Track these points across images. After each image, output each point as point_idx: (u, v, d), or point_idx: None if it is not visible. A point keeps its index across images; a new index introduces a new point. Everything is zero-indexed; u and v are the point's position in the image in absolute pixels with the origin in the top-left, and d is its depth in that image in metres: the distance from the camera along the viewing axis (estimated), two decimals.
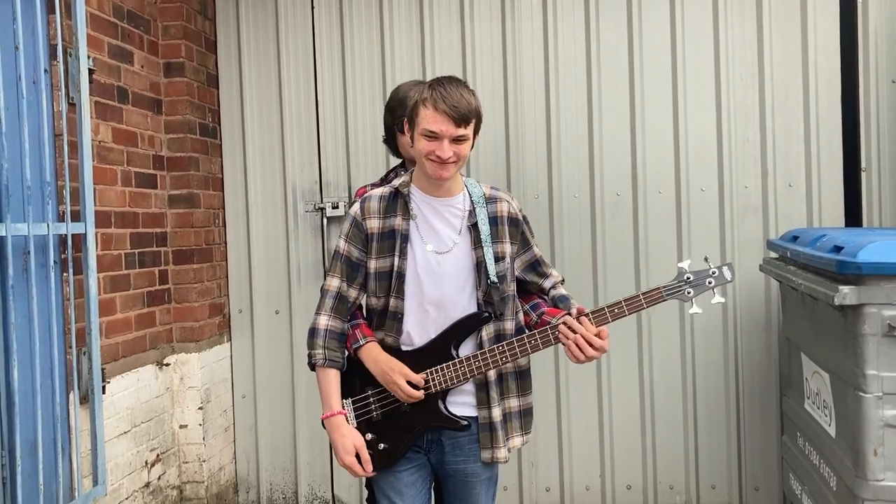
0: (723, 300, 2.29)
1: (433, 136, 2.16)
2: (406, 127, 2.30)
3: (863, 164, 3.88)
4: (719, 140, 3.95)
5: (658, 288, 2.24)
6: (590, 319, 2.19)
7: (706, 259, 2.32)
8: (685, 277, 2.25)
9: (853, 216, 3.89)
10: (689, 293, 2.25)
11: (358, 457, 2.26)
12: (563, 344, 2.22)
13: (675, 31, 3.96)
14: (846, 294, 2.53)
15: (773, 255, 3.59)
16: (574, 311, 2.24)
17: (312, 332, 2.30)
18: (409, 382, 2.22)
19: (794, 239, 3.29)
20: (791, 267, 3.20)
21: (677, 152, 3.97)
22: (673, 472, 4.02)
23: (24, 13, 2.77)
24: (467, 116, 2.17)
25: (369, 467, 2.27)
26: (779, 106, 3.92)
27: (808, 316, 3.10)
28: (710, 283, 2.26)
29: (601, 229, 4.01)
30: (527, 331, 2.30)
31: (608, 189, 4.01)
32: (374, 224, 2.29)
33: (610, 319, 2.21)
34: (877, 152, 3.86)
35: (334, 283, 2.31)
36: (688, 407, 4.00)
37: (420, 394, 2.23)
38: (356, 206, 2.34)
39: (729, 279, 2.27)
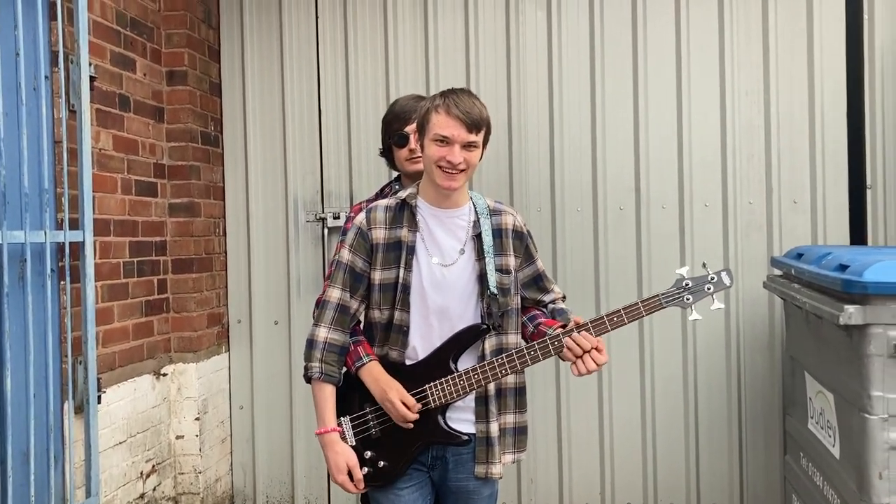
0: (722, 306, 2.25)
1: (444, 142, 2.16)
2: (414, 137, 2.29)
3: (868, 182, 3.85)
4: (723, 156, 3.92)
5: (657, 295, 2.21)
6: (590, 332, 2.17)
7: (704, 265, 2.29)
8: (684, 284, 2.22)
9: (858, 234, 3.86)
10: (688, 299, 2.22)
11: (351, 475, 2.23)
12: (568, 359, 2.20)
13: (680, 46, 3.94)
14: (852, 313, 2.50)
15: (778, 272, 3.56)
16: (571, 324, 2.21)
17: (311, 343, 2.26)
18: (404, 404, 2.20)
19: (799, 256, 3.25)
20: (795, 285, 3.17)
21: (681, 167, 3.94)
22: (674, 490, 3.98)
23: (26, 19, 2.76)
24: (479, 123, 2.17)
25: (361, 485, 2.24)
26: (784, 122, 3.90)
27: (813, 335, 3.06)
28: (709, 288, 2.23)
29: (604, 243, 3.98)
30: (524, 343, 2.27)
31: (611, 203, 3.98)
32: (380, 234, 2.26)
33: (609, 328, 2.19)
34: (882, 170, 3.83)
35: (335, 293, 2.27)
36: (689, 424, 3.96)
37: (412, 416, 2.20)
38: (361, 216, 2.31)
39: (728, 284, 2.24)
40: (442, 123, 2.16)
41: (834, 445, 2.85)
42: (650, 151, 3.96)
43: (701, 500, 3.96)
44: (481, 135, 2.20)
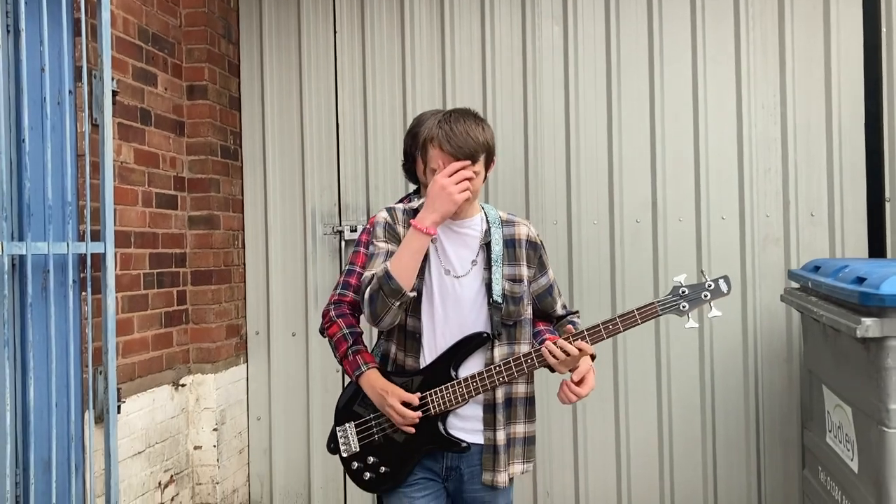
0: (719, 314, 2.24)
1: None
2: (419, 158, 2.32)
3: (887, 195, 3.83)
4: (740, 168, 3.92)
5: (653, 303, 2.21)
6: (586, 339, 2.18)
7: (702, 272, 2.28)
8: (680, 291, 2.22)
9: (877, 246, 3.84)
10: (684, 307, 2.21)
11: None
12: (558, 370, 2.23)
13: (696, 60, 3.95)
14: (869, 326, 2.49)
15: (795, 285, 3.55)
16: (567, 332, 2.23)
17: (370, 292, 2.16)
18: (405, 404, 2.21)
19: (816, 269, 3.24)
20: (812, 297, 3.16)
21: (698, 180, 3.94)
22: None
23: (51, 35, 2.82)
24: (474, 154, 2.17)
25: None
26: (801, 135, 3.89)
27: (830, 348, 3.05)
28: (705, 296, 2.22)
29: (620, 256, 3.98)
30: None
31: (627, 216, 3.99)
32: (401, 231, 2.29)
33: (605, 336, 2.20)
34: None
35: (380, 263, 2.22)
36: (707, 439, 3.94)
37: (415, 415, 2.21)
38: (384, 213, 2.33)
39: (725, 292, 2.23)
40: (437, 158, 2.18)
41: (852, 459, 2.83)
42: (667, 164, 3.97)
43: None
44: (480, 162, 2.20)
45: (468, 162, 2.16)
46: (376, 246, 2.28)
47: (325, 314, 2.53)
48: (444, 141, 2.16)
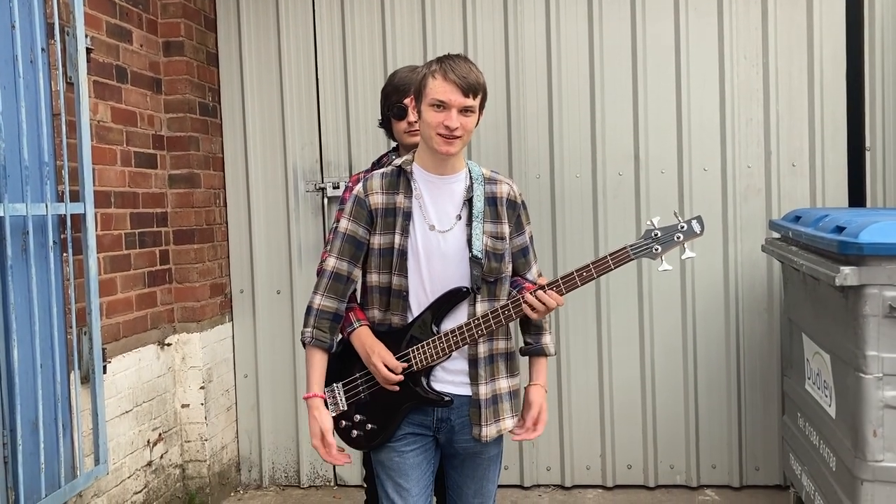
0: (693, 255, 2.24)
1: (441, 106, 2.16)
2: (412, 104, 2.30)
3: (867, 144, 3.85)
4: (722, 120, 3.92)
5: (625, 247, 2.21)
6: (560, 287, 2.21)
7: (675, 213, 2.27)
8: (653, 234, 2.21)
9: (857, 196, 3.87)
10: (657, 250, 2.20)
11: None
12: (535, 317, 2.27)
13: (678, 9, 3.92)
14: (847, 275, 2.52)
15: (776, 235, 3.58)
16: (540, 282, 2.27)
17: (307, 310, 2.31)
18: (387, 367, 2.23)
19: (797, 219, 3.27)
20: (793, 247, 3.19)
21: (680, 132, 3.94)
22: (673, 451, 4.03)
23: None
24: (475, 87, 2.18)
25: (333, 450, 2.28)
26: (783, 85, 3.89)
27: (810, 296, 3.08)
28: (678, 237, 2.20)
29: (603, 209, 3.99)
30: None
31: (610, 169, 3.99)
32: (377, 200, 2.28)
33: (579, 283, 2.21)
34: (881, 132, 3.83)
35: (331, 262, 2.30)
36: (689, 387, 4.01)
37: (396, 378, 2.23)
38: (359, 186, 2.34)
39: (698, 232, 2.21)
40: (439, 88, 2.16)
41: (830, 405, 2.89)
42: (649, 117, 3.96)
43: (700, 461, 4.02)
44: (478, 99, 2.21)
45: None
46: (339, 225, 2.32)
47: (319, 273, 2.53)
48: (448, 71, 2.16)
